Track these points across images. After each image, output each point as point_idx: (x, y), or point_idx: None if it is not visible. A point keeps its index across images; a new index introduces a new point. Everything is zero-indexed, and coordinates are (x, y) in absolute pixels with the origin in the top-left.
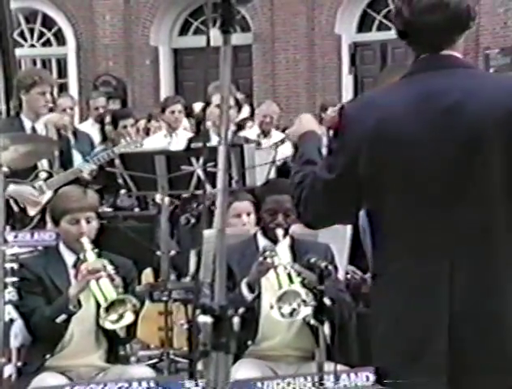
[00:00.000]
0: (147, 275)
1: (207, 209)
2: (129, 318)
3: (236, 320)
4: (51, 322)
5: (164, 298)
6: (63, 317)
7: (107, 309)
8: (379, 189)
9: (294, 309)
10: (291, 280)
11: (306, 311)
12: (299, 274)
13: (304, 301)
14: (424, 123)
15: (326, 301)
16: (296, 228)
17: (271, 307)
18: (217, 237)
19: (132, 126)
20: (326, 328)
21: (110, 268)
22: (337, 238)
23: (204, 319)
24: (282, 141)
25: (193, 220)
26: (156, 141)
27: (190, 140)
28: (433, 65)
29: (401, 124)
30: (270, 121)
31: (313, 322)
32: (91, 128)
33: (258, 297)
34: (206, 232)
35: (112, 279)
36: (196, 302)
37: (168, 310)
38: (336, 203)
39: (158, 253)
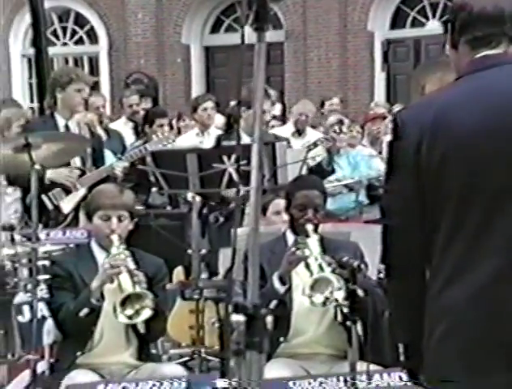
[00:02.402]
0: (179, 273)
1: (238, 208)
2: (146, 313)
3: (269, 319)
4: (75, 316)
5: (196, 296)
6: (86, 310)
7: (123, 304)
8: (442, 192)
9: (327, 298)
10: (322, 270)
11: (339, 296)
12: (329, 264)
13: (336, 288)
14: (486, 123)
15: (359, 292)
16: (326, 228)
17: (303, 293)
18: (250, 235)
19: (168, 125)
20: (359, 327)
21: (131, 264)
22: (369, 238)
23: (237, 318)
24: (315, 144)
25: (221, 219)
26: (188, 139)
27: (219, 138)
28: (491, 63)
29: (462, 124)
30: (305, 119)
31: (341, 319)
32: (123, 126)
33: (290, 289)
34: (239, 231)
35: (132, 275)
36: (228, 301)
37: (200, 309)
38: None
39: (189, 251)
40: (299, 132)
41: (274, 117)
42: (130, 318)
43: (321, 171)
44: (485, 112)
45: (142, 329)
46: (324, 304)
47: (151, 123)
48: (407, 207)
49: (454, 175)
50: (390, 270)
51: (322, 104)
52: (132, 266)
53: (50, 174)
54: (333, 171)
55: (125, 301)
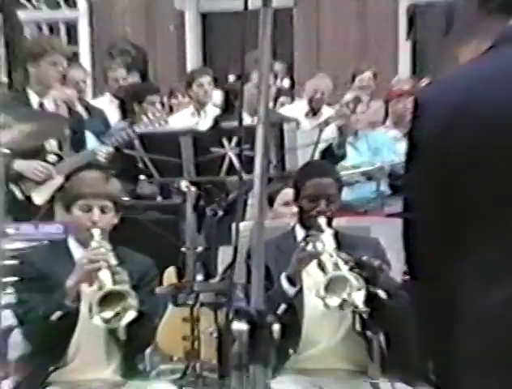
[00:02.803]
0: (170, 274)
1: (240, 199)
2: (129, 316)
3: (276, 327)
4: (45, 321)
5: (190, 302)
6: (58, 314)
7: (100, 303)
8: (473, 183)
9: (344, 301)
10: (338, 268)
11: (358, 298)
12: (346, 262)
13: (355, 289)
14: None
15: (381, 295)
16: (342, 222)
17: (317, 295)
18: (254, 230)
19: (159, 103)
20: (381, 337)
21: (113, 259)
22: (392, 233)
23: (239, 326)
24: (326, 123)
25: (220, 212)
26: (182, 119)
27: (218, 118)
28: None
29: (497, 105)
30: (321, 97)
31: (360, 327)
32: (107, 104)
33: (300, 292)
34: (241, 226)
35: (113, 273)
36: (229, 307)
37: (195, 316)
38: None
39: (183, 249)
40: (314, 111)
41: (281, 94)
42: (108, 321)
43: (330, 156)
44: None
45: (123, 335)
46: (341, 307)
47: (140, 101)
48: (429, 199)
49: (487, 165)
50: (414, 271)
51: (353, 79)
52: (114, 262)
53: (18, 165)
54: (344, 156)
55: (104, 301)
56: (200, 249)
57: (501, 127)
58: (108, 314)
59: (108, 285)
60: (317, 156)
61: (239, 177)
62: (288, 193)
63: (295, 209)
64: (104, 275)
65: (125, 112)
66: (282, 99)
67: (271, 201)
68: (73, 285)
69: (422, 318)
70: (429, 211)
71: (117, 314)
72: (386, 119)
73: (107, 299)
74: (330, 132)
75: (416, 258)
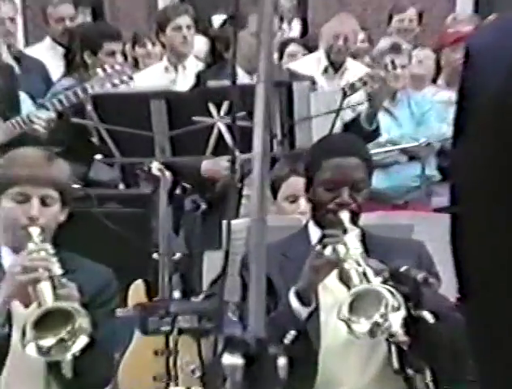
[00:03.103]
0: (137, 290)
1: (232, 187)
2: (78, 344)
3: (282, 362)
4: None
5: (165, 328)
6: None
7: (37, 326)
8: None
9: (377, 325)
10: (367, 280)
11: (396, 321)
12: (379, 273)
13: (391, 309)
14: None
15: (426, 315)
16: (373, 218)
17: (338, 316)
18: (252, 230)
19: (121, 53)
20: (428, 375)
21: (57, 267)
22: (443, 235)
23: (232, 361)
24: (352, 86)
25: (203, 205)
26: (152, 77)
27: (199, 75)
28: None
29: None
30: (343, 45)
31: (399, 363)
32: (48, 53)
33: (315, 313)
34: (234, 224)
35: (55, 287)
36: (218, 334)
37: (171, 348)
38: None
39: (154, 255)
40: (334, 66)
41: (289, 42)
42: (47, 351)
43: (357, 131)
44: None
45: (69, 372)
46: (372, 334)
47: (93, 49)
48: (489, 185)
49: None
50: (466, 287)
51: (390, 19)
52: (58, 271)
53: None
54: (376, 132)
55: (43, 323)
56: (178, 255)
57: None
58: (49, 341)
59: (49, 302)
60: (339, 128)
61: (231, 158)
62: (295, 182)
63: (303, 205)
64: (44, 289)
65: (73, 64)
66: (291, 48)
67: (274, 192)
68: (0, 303)
69: (478, 351)
70: (488, 202)
71: (61, 340)
72: (438, 76)
73: (47, 321)
74: (358, 95)
75: (468, 267)
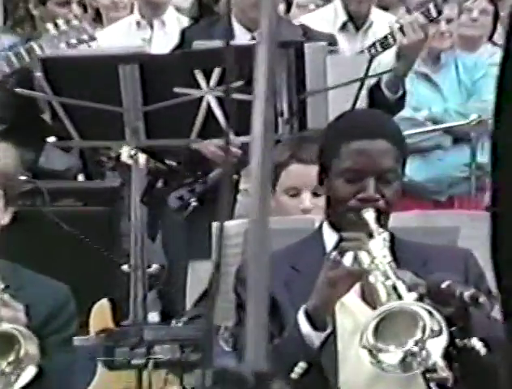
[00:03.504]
0: (102, 313)
1: (226, 178)
2: (25, 376)
3: None
4: None
5: (137, 361)
6: None
7: None
8: None
9: (411, 354)
10: (398, 296)
11: (435, 348)
12: (413, 288)
13: (430, 334)
14: None
15: (476, 343)
16: (407, 219)
17: (360, 344)
18: (251, 235)
19: (78, 2)
20: None
21: None
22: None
23: None
24: (381, 44)
25: (193, 202)
26: (121, 34)
27: (183, 33)
28: None
29: None
30: None
31: None
32: None
33: (332, 339)
34: (227, 227)
35: None
36: (206, 367)
37: (145, 385)
38: None
39: (124, 267)
40: (355, 21)
41: None
42: None
43: (377, 100)
44: None
45: None
46: (404, 367)
47: None
48: None
49: None
50: (507, 306)
51: None
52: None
53: None
54: (402, 101)
55: None
56: (155, 267)
57: None
58: None
59: None
60: (363, 102)
61: (225, 140)
62: (296, 171)
63: (307, 201)
64: None
65: (15, 17)
66: None
67: (272, 182)
68: None
69: None
70: None
71: (2, 374)
72: (494, 32)
73: None
74: (390, 59)
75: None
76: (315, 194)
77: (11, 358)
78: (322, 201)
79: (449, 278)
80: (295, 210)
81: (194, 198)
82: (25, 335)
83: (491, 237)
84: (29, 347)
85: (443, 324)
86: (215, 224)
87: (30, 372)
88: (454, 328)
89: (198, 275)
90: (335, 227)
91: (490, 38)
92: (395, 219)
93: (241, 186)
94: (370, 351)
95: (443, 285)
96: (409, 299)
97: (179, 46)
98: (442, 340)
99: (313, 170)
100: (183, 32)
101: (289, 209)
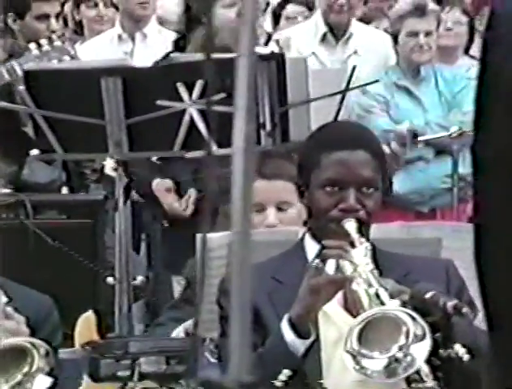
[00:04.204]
0: (86, 325)
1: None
2: (38, 387)
3: None
4: None
5: (122, 373)
6: None
7: None
8: None
9: (395, 360)
10: (381, 303)
11: (419, 352)
12: (395, 295)
13: (413, 339)
14: None
15: (459, 349)
16: (389, 230)
17: (345, 350)
18: (234, 247)
19: (58, 16)
20: None
21: (1, 295)
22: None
23: None
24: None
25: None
26: (103, 48)
27: (177, 42)
28: None
29: None
30: (346, 2)
31: None
32: None
33: (316, 345)
34: (210, 239)
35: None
36: (191, 378)
37: None
38: None
39: (109, 280)
40: (333, 33)
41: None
42: None
43: None
44: None
45: None
46: (389, 372)
47: (19, 12)
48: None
49: None
50: (491, 316)
51: None
52: (3, 298)
53: None
54: None
55: None
56: (140, 279)
57: None
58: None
59: None
60: (345, 113)
61: (206, 152)
62: (261, 188)
63: (271, 215)
64: None
65: None
66: (289, 9)
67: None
68: None
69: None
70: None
71: (17, 385)
72: (471, 44)
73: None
74: (369, 70)
75: (495, 290)
76: (279, 209)
77: (25, 370)
78: (287, 216)
79: (431, 288)
80: (260, 226)
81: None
82: (38, 346)
83: (474, 248)
84: (39, 359)
85: (426, 329)
86: (198, 236)
87: (43, 382)
88: (437, 335)
89: (180, 287)
90: (317, 238)
91: (467, 50)
92: (378, 230)
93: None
94: (354, 357)
95: (427, 295)
96: (392, 305)
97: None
98: (426, 345)
99: (276, 185)
100: (177, 42)
101: (255, 225)
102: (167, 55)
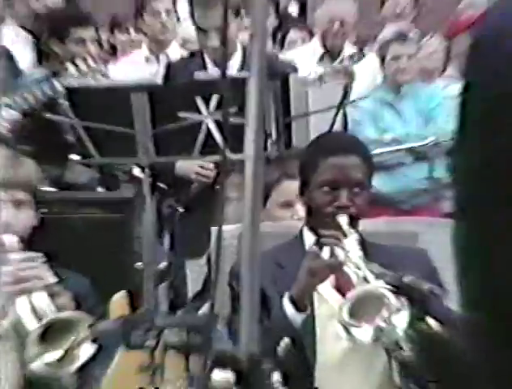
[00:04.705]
0: (119, 303)
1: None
2: (84, 353)
3: (276, 377)
4: None
5: (149, 343)
6: None
7: (42, 339)
8: None
9: (379, 330)
10: (368, 283)
11: (400, 321)
12: (380, 277)
13: (394, 310)
14: None
15: (432, 322)
16: (375, 225)
17: (338, 320)
18: (244, 237)
19: (94, 41)
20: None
21: (51, 275)
22: (446, 245)
23: (222, 377)
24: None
25: (180, 209)
26: (132, 68)
27: (168, 71)
28: None
29: None
30: (339, 29)
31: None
32: (12, 39)
33: (311, 321)
34: (225, 230)
35: (53, 295)
36: (207, 349)
37: (157, 364)
38: None
39: (138, 265)
40: (330, 53)
41: (288, 25)
42: (57, 365)
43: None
44: None
45: (71, 383)
46: (375, 340)
47: (62, 36)
48: (480, 187)
49: None
50: (468, 296)
51: (382, 4)
52: (51, 279)
53: None
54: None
55: (46, 337)
56: (164, 264)
57: None
58: (55, 353)
59: (49, 313)
60: (339, 124)
61: (222, 157)
62: (289, 187)
63: (300, 211)
64: (40, 299)
65: (44, 53)
66: (290, 35)
67: (265, 198)
68: None
69: (494, 367)
70: (488, 209)
71: (69, 351)
72: (447, 66)
73: (49, 334)
74: (359, 88)
75: (470, 277)
76: None
77: (73, 339)
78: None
79: (409, 273)
80: (288, 218)
81: (181, 206)
82: (83, 318)
83: (452, 239)
84: (83, 331)
85: (405, 304)
86: (214, 229)
87: (88, 350)
88: (413, 310)
89: (193, 271)
90: (314, 230)
91: (443, 71)
92: (367, 224)
93: (229, 195)
94: (345, 327)
95: (406, 279)
96: (377, 285)
97: (166, 77)
98: (404, 316)
99: None
100: (168, 66)
101: (284, 218)
102: (165, 77)
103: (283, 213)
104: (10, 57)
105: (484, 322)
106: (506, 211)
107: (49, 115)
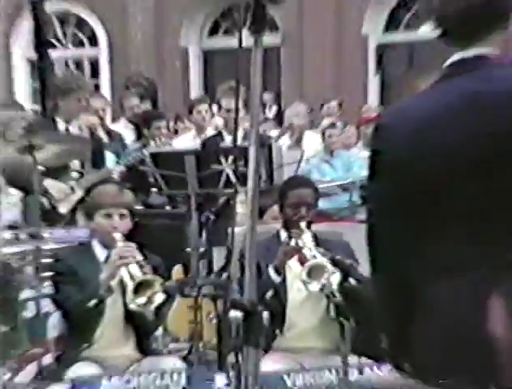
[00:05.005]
0: (178, 271)
1: (230, 205)
2: (159, 298)
3: (265, 314)
4: (83, 307)
5: (194, 293)
6: (94, 301)
7: (135, 291)
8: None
9: (323, 285)
10: (316, 258)
11: (334, 280)
12: (324, 255)
13: (331, 273)
14: (468, 132)
15: (352, 281)
16: (320, 227)
17: (301, 279)
18: (248, 234)
19: (165, 127)
20: (352, 322)
21: (139, 255)
22: (361, 237)
23: (235, 314)
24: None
25: (212, 217)
26: (186, 141)
27: (204, 143)
28: (464, 67)
29: (442, 133)
30: (298, 123)
31: (334, 313)
32: (123, 128)
33: (285, 281)
34: (236, 230)
35: (141, 266)
36: (226, 298)
37: (198, 305)
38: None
39: (187, 250)
40: (297, 140)
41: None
42: (142, 306)
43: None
44: (466, 123)
45: (151, 315)
46: (321, 290)
47: (149, 125)
48: (389, 206)
49: (433, 182)
50: (376, 266)
51: (322, 107)
52: (140, 257)
53: (46, 183)
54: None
55: (137, 289)
56: (202, 250)
57: (441, 154)
58: (142, 299)
59: (140, 276)
60: (299, 172)
61: (234, 190)
62: (276, 209)
63: (280, 220)
64: (133, 268)
65: (140, 134)
66: (266, 125)
67: (261, 214)
68: (106, 278)
69: (378, 302)
70: (389, 216)
71: (149, 298)
72: (358, 141)
73: (138, 288)
74: (310, 152)
75: (377, 254)
76: (308, 208)
77: (150, 292)
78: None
79: (339, 254)
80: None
81: (212, 215)
82: (157, 279)
83: (367, 234)
84: (158, 286)
85: (337, 270)
86: (230, 230)
87: (160, 297)
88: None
89: (217, 254)
90: (287, 230)
91: (357, 143)
92: (315, 227)
93: (239, 210)
94: (304, 283)
95: (337, 257)
96: (322, 259)
97: (203, 146)
98: (337, 277)
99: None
100: (204, 143)
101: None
102: (203, 144)
103: (273, 222)
104: (121, 138)
105: (375, 281)
106: (390, 220)
107: (141, 167)
